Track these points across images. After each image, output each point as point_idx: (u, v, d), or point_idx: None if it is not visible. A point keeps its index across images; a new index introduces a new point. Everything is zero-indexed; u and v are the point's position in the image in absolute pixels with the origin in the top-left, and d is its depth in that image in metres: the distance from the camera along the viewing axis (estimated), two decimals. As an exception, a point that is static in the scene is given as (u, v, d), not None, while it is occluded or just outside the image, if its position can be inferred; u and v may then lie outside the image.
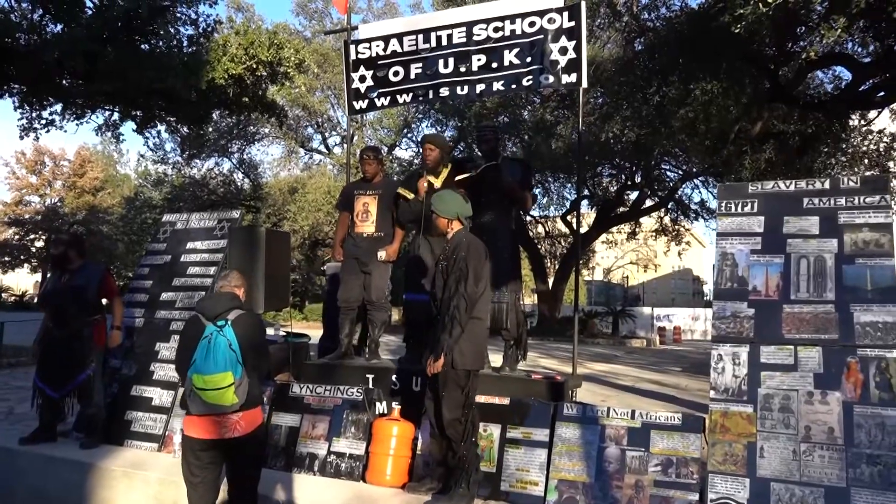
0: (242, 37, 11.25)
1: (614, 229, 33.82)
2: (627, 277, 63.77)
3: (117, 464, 4.96)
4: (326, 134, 32.00)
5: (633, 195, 30.27)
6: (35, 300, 47.06)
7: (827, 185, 4.34)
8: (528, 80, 5.44)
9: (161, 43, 10.71)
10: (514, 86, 5.54)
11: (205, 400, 3.38)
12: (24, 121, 14.49)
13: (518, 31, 5.46)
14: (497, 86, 5.55)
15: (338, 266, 7.60)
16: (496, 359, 5.55)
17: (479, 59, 5.59)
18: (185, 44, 12.10)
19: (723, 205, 4.53)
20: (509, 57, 5.49)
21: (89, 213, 46.02)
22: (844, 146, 20.16)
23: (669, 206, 30.56)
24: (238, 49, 10.89)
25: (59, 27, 11.63)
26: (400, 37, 5.88)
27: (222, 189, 32.48)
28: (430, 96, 5.86)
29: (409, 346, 5.70)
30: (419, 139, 7.10)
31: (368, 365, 5.54)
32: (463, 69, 5.63)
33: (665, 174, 28.96)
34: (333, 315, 7.31)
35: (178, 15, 11.94)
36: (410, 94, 5.89)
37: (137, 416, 5.50)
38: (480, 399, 4.63)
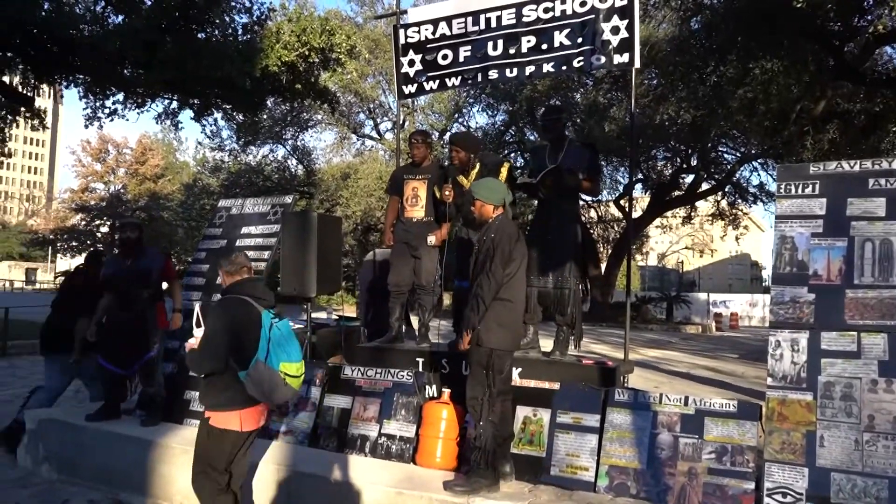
0: (295, 24, 11.39)
1: (669, 213, 33.16)
2: (682, 263, 62.57)
3: (177, 441, 5.12)
4: (378, 120, 32.19)
5: (689, 178, 29.60)
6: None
7: (895, 164, 4.14)
8: (578, 62, 5.34)
9: (217, 32, 10.94)
10: (564, 67, 5.45)
11: (295, 388, 3.39)
12: (89, 110, 15.05)
13: (569, 12, 5.36)
14: (547, 67, 5.47)
15: (385, 253, 7.67)
16: (547, 344, 5.53)
17: (528, 41, 5.51)
18: (240, 32, 12.33)
19: (782, 186, 4.37)
20: (559, 38, 5.39)
21: (150, 200, 47.55)
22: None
23: (727, 190, 29.80)
24: (291, 36, 11.03)
25: (120, 18, 12.00)
26: (449, 20, 5.85)
27: (276, 175, 33.06)
28: (479, 79, 5.82)
29: (458, 331, 5.70)
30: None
31: (419, 349, 5.58)
32: (512, 51, 5.57)
33: (722, 156, 28.22)
34: (376, 300, 7.39)
35: (233, 3, 12.17)
36: (459, 78, 5.86)
37: (196, 396, 5.67)
38: (530, 384, 4.63)
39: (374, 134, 32.71)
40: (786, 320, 3.97)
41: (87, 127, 15.03)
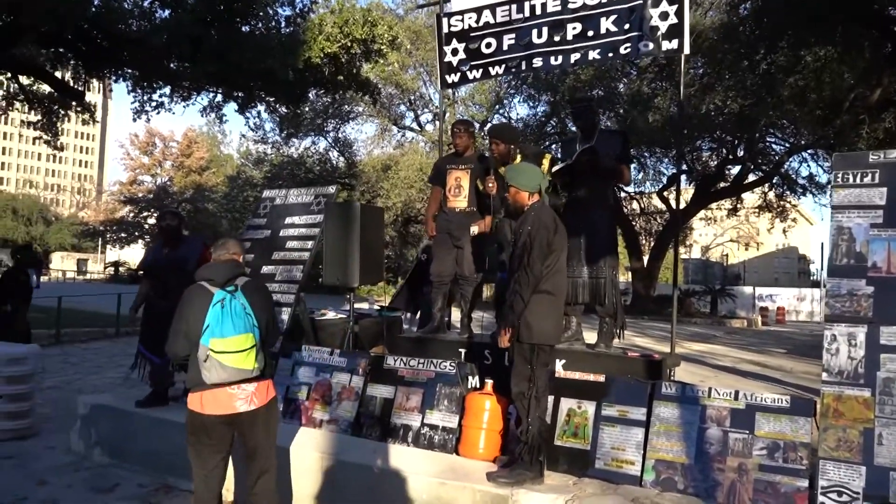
0: (337, 15, 11.43)
1: (714, 205, 32.49)
2: (727, 255, 61.30)
3: (224, 428, 5.21)
4: (419, 111, 32.22)
5: (735, 170, 28.91)
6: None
7: (961, 152, 3.96)
8: (625, 48, 5.23)
9: (260, 24, 11.04)
10: (610, 54, 5.34)
11: (224, 364, 3.18)
12: (137, 103, 15.38)
13: (615, -2, 5.25)
14: (593, 55, 5.37)
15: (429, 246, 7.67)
16: (590, 336, 5.45)
17: (574, 28, 5.42)
18: (283, 24, 12.45)
19: (839, 176, 4.21)
20: (606, 24, 5.29)
21: (195, 192, 48.50)
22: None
23: (774, 181, 29.04)
24: (333, 28, 11.08)
25: (167, 12, 12.21)
26: (493, 7, 5.79)
27: (318, 167, 33.38)
28: (523, 67, 5.75)
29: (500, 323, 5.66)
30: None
31: (461, 339, 5.56)
32: (557, 38, 5.48)
33: (770, 147, 27.49)
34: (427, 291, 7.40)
35: (276, -2, 12.29)
36: (503, 66, 5.80)
37: (241, 384, 5.75)
38: (574, 375, 4.57)
39: (414, 126, 32.80)
40: (842, 314, 3.83)
41: (135, 120, 15.37)
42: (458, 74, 6.03)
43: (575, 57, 5.43)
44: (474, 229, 5.57)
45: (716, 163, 28.06)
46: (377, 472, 4.36)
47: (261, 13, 10.95)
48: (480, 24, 5.86)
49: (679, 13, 5.01)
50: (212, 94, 15.71)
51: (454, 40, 6.00)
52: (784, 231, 33.19)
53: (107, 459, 5.60)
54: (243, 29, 11.12)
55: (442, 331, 5.79)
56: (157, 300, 5.61)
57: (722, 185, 29.21)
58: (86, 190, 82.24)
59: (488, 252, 5.63)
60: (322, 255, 5.95)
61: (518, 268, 3.93)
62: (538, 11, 5.58)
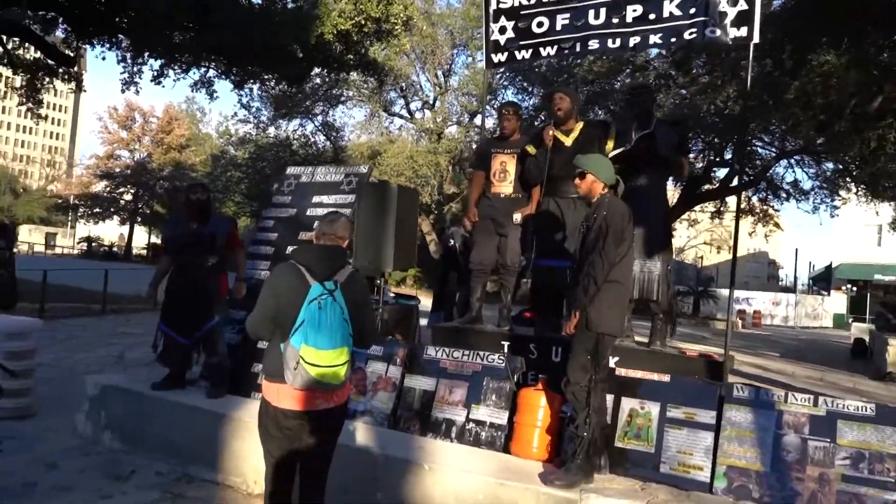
0: (353, -9, 11.04)
1: (697, 208, 32.59)
2: (702, 258, 61.97)
3: (249, 415, 4.88)
4: (410, 98, 31.80)
5: (721, 173, 28.98)
6: (121, 251, 49.40)
7: None
8: (690, 33, 4.98)
9: (274, -2, 10.60)
10: (674, 39, 5.09)
11: (313, 377, 2.91)
12: (126, 74, 14.79)
13: (681, -21, 5.00)
14: (654, 39, 5.11)
15: (453, 231, 7.40)
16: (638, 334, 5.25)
17: (634, 10, 5.16)
18: (290, 1, 12.01)
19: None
20: (669, 7, 5.03)
21: (175, 170, 47.47)
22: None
23: (760, 186, 29.19)
24: (348, 3, 10.68)
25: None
26: (547, -16, 5.50)
27: (303, 150, 32.80)
28: (578, 49, 5.47)
29: (539, 314, 5.42)
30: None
31: (502, 332, 5.31)
32: (616, 20, 5.21)
33: (756, 152, 27.60)
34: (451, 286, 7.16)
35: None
36: (555, 47, 5.51)
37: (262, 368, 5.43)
38: (637, 374, 4.35)
39: (404, 113, 32.36)
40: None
41: (123, 91, 14.77)
42: (506, 54, 5.73)
43: (635, 40, 5.17)
44: (517, 217, 5.32)
45: (702, 165, 28.09)
46: (424, 468, 4.09)
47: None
48: (532, 2, 5.57)
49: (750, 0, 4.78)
50: (204, 70, 15.20)
51: (503, 17, 5.70)
52: (766, 236, 33.49)
53: (118, 444, 5.27)
54: (254, 1, 10.70)
55: (479, 321, 5.53)
56: (181, 277, 5.27)
57: (707, 187, 29.27)
58: (56, 163, 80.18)
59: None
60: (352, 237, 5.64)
61: (592, 252, 3.76)
62: (596, -9, 5.30)
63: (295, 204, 6.19)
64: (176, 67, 13.07)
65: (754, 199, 31.07)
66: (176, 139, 49.33)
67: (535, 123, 27.40)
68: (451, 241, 7.23)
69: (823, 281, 46.17)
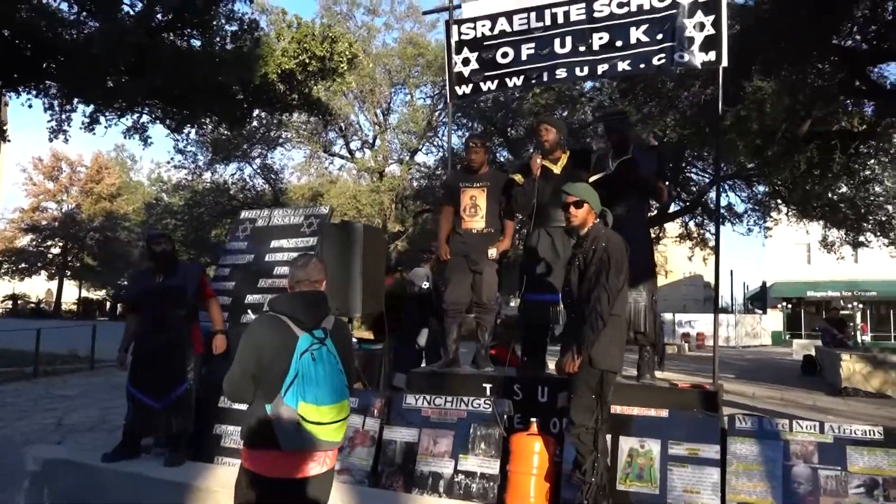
0: (296, 30, 10.78)
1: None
2: (641, 283, 63.15)
3: (216, 483, 4.48)
4: (349, 138, 31.58)
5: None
6: (50, 308, 46.99)
7: None
8: (659, 59, 4.94)
9: (213, 38, 10.25)
10: (642, 65, 5.04)
11: (317, 436, 2.63)
12: (54, 122, 14.10)
13: (646, 7, 4.97)
14: (622, 66, 5.06)
15: (417, 274, 7.12)
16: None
17: (600, 38, 5.10)
18: (228, 40, 11.68)
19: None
20: (636, 34, 5.00)
21: (106, 220, 45.75)
22: (887, 146, 19.69)
23: (696, 212, 30.02)
24: (291, 42, 10.43)
25: (100, 23, 11.23)
26: (509, 15, 5.40)
27: (242, 195, 32.09)
28: (545, 79, 5.37)
29: (528, 352, 5.20)
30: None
31: (483, 373, 5.05)
32: (582, 48, 5.15)
33: (691, 178, 28.44)
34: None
35: (221, 11, 11.53)
36: (521, 77, 5.40)
37: (228, 430, 5.02)
38: (633, 411, 4.15)
39: (344, 153, 32.10)
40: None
41: (51, 140, 14.05)
42: (471, 86, 5.59)
43: (603, 68, 5.11)
44: (492, 252, 5.12)
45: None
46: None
47: (214, 24, 10.17)
48: (495, 32, 5.46)
49: (716, 24, 4.78)
50: (136, 115, 14.65)
51: (466, 49, 5.57)
52: (704, 259, 34.34)
53: (65, 525, 4.74)
54: (193, 42, 10.33)
55: (457, 364, 5.26)
56: (150, 335, 4.83)
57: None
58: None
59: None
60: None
61: (596, 286, 3.57)
62: (560, 20, 5.23)
63: (252, 250, 5.83)
64: (108, 114, 12.50)
65: (691, 224, 31.98)
66: (106, 188, 47.61)
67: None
68: (417, 287, 6.92)
69: (759, 300, 47.55)
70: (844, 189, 21.68)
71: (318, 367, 2.64)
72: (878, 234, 23.93)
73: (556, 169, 4.99)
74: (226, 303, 5.60)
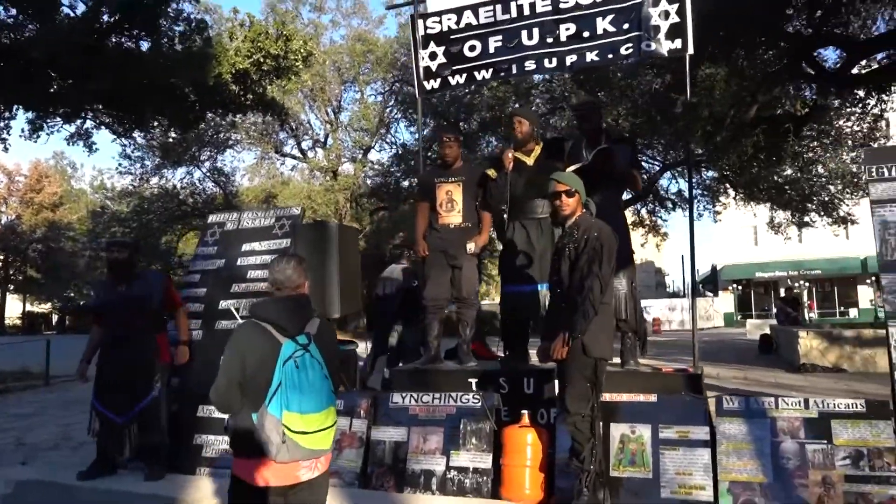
0: (248, 29, 10.54)
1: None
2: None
3: (201, 494, 4.37)
4: (300, 138, 31.13)
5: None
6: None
7: None
8: (627, 49, 4.99)
9: (161, 39, 9.94)
10: (610, 55, 5.09)
11: (303, 446, 2.57)
12: (-8, 132, 13.49)
13: (610, -4, 5.01)
14: (591, 56, 5.09)
15: (391, 271, 7.06)
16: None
17: (567, 29, 5.13)
18: (177, 41, 11.36)
19: (873, 170, 4.15)
20: (603, 24, 5.04)
21: (49, 230, 44.21)
22: (828, 128, 20.27)
23: (648, 199, 30.60)
24: (244, 42, 10.19)
25: (37, 26, 10.79)
26: (475, 8, 5.38)
27: (192, 199, 31.34)
28: (514, 71, 5.37)
29: (510, 345, 5.20)
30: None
31: (467, 368, 5.03)
32: (550, 40, 5.16)
33: (642, 166, 28.96)
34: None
35: (169, 12, 11.20)
36: (490, 70, 5.39)
37: (209, 440, 4.90)
38: (622, 398, 4.19)
39: (296, 152, 31.63)
40: (907, 309, 3.72)
41: (-13, 150, 13.47)
42: (439, 80, 5.55)
43: (571, 59, 5.13)
44: (471, 246, 5.11)
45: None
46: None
47: (164, 24, 9.85)
48: (461, 25, 5.44)
49: (681, 12, 4.85)
50: (82, 120, 14.15)
51: (432, 43, 5.53)
52: (657, 245, 35.00)
53: (41, 549, 4.56)
54: (141, 44, 10.00)
55: (439, 360, 5.23)
56: (113, 347, 4.67)
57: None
58: None
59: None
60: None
61: (588, 275, 3.59)
62: (526, 12, 5.23)
63: (222, 254, 5.67)
64: (50, 121, 12.02)
65: (643, 211, 32.58)
66: (48, 198, 45.99)
67: (429, 155, 27.62)
68: (385, 289, 6.85)
69: (710, 283, 48.76)
70: (789, 171, 22.35)
71: (302, 375, 2.59)
72: (822, 213, 24.73)
73: (530, 161, 5.00)
74: (198, 310, 5.46)
